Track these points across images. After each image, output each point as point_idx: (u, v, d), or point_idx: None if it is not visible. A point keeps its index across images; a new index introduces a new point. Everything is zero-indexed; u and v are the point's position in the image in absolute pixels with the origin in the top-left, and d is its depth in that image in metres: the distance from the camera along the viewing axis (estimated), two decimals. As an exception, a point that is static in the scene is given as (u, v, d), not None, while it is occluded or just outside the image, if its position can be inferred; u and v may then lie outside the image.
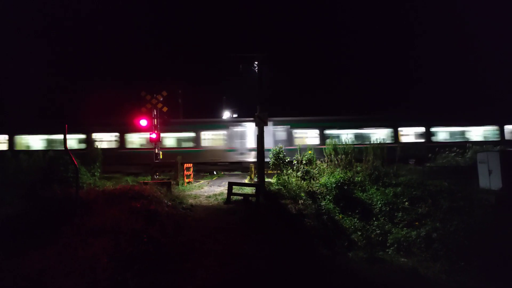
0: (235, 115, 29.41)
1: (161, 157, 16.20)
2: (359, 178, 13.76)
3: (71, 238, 6.62)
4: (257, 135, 13.67)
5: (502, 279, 7.59)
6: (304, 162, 15.39)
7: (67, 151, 8.22)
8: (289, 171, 14.94)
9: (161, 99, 15.82)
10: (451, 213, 10.57)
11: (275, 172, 15.81)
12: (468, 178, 13.18)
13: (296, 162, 15.48)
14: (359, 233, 10.79)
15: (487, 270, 7.96)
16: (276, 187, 13.06)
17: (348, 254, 9.52)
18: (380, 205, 11.81)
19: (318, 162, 15.85)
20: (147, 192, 10.08)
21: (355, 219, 11.45)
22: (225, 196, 12.09)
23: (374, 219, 11.40)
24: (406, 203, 11.60)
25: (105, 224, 7.36)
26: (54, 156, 12.71)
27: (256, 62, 14.19)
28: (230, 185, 12.15)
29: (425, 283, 7.84)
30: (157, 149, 16.17)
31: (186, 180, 15.88)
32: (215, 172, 21.20)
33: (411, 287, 7.44)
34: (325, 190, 12.96)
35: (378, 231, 10.75)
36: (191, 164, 17.21)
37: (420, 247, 9.59)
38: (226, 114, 29.79)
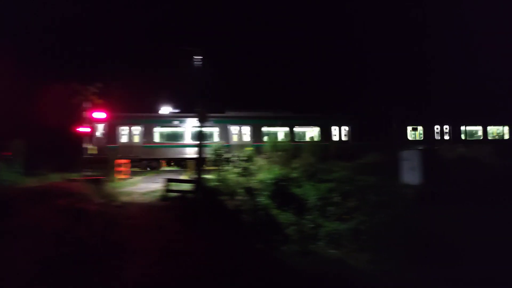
0: (176, 110, 28.24)
1: (96, 152, 15.29)
2: (296, 174, 14.17)
3: (-16, 240, 6.01)
4: (197, 131, 13.49)
5: (421, 266, 8.27)
6: (244, 158, 15.48)
7: None
8: (228, 167, 14.93)
9: (95, 90, 14.90)
10: (377, 206, 11.31)
11: (214, 168, 15.73)
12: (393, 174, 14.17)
13: (236, 158, 15.50)
14: (294, 227, 11.13)
15: (408, 259, 8.63)
16: (215, 183, 13.00)
17: (283, 248, 9.79)
18: (314, 200, 12.27)
19: (258, 158, 16.05)
20: (75, 189, 9.51)
21: (290, 214, 11.77)
22: (162, 192, 11.76)
23: (308, 213, 11.83)
24: (338, 198, 12.18)
25: (26, 224, 6.84)
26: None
27: (197, 57, 13.98)
28: (167, 181, 11.85)
29: (353, 272, 8.32)
30: (87, 143, 15.20)
31: (120, 176, 15.15)
32: (148, 169, 20.45)
33: (340, 276, 7.85)
34: (263, 186, 13.15)
35: (311, 225, 11.18)
36: (129, 160, 16.49)
37: (349, 239, 10.15)
38: (166, 109, 28.68)
